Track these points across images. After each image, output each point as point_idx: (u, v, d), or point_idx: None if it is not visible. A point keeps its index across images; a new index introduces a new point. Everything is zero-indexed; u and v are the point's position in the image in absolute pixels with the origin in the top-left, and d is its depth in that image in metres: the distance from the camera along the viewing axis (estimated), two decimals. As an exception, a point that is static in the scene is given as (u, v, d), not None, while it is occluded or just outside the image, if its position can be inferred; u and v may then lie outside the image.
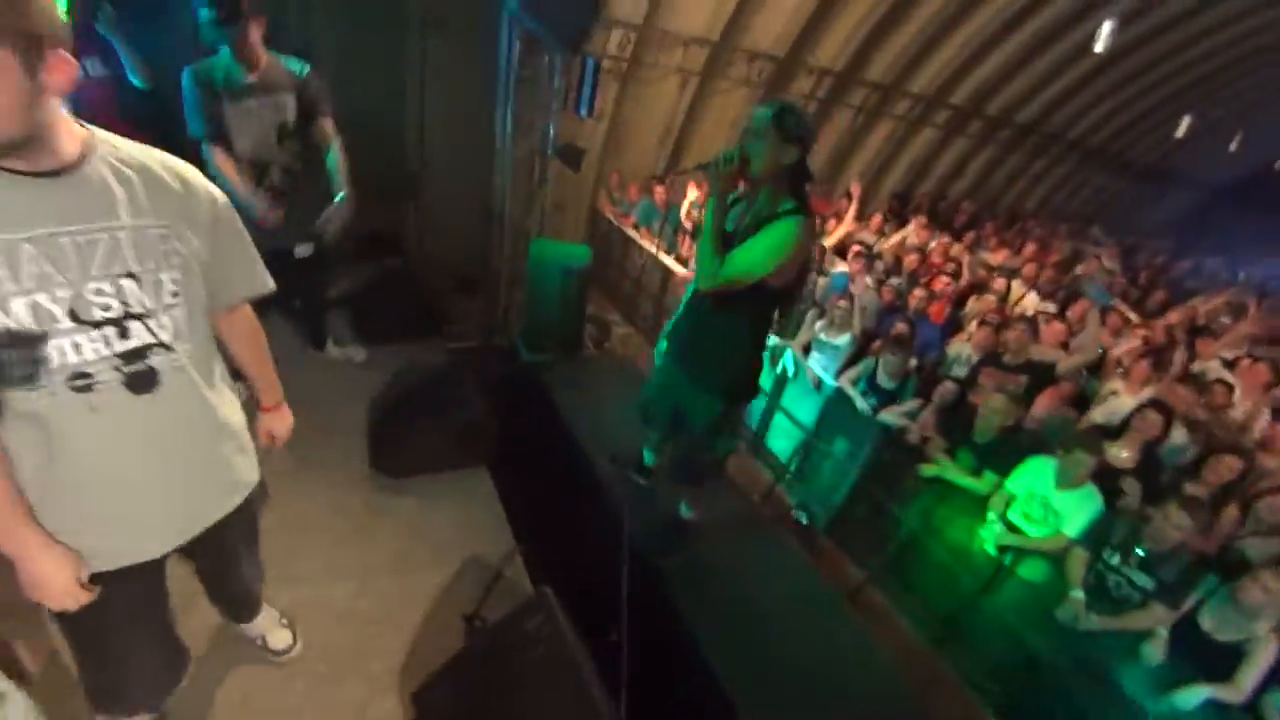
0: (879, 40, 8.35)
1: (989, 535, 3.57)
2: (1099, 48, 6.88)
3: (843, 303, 4.81)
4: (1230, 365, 5.03)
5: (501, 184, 5.54)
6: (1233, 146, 12.44)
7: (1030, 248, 7.76)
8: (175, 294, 1.28)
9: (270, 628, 2.28)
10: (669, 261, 6.46)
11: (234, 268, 1.48)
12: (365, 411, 3.74)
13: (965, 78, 9.46)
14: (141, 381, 1.27)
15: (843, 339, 4.81)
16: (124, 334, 1.22)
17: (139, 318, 1.24)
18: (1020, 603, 3.48)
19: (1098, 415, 3.97)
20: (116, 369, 1.23)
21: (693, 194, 6.99)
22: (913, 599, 4.11)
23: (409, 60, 5.93)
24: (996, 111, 10.41)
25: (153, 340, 1.27)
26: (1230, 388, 4.38)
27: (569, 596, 2.08)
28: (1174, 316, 6.20)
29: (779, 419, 5.27)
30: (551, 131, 5.34)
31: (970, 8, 8.29)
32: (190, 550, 1.59)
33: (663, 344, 2.93)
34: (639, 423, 3.13)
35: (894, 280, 5.55)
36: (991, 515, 3.54)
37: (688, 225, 6.54)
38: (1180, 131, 10.59)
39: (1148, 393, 4.19)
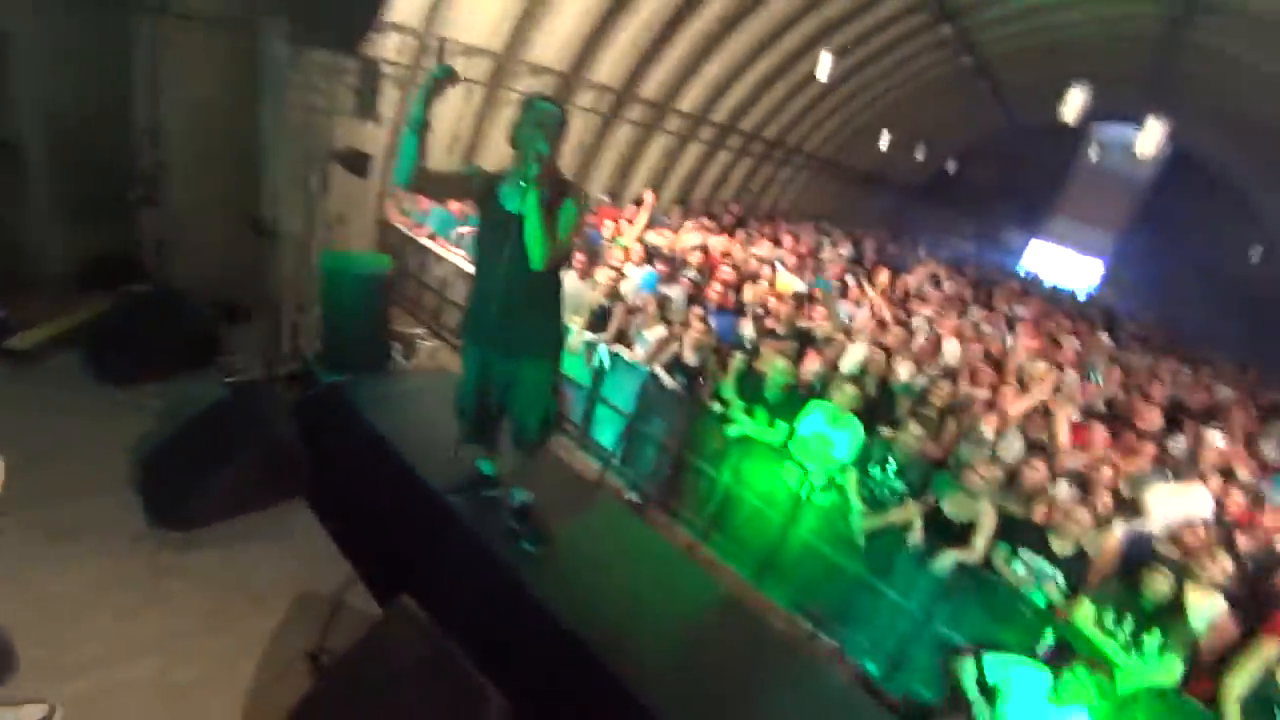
0: (651, 61, 9.14)
1: (793, 477, 4.22)
2: (821, 76, 8.34)
3: (652, 299, 5.25)
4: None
5: (273, 193, 5.03)
6: (919, 156, 15.87)
7: (789, 240, 9.11)
8: None
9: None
10: (470, 269, 6.37)
11: None
12: (131, 463, 3.17)
13: (722, 99, 10.77)
14: None
15: (654, 332, 5.24)
16: None
17: None
18: (819, 528, 4.15)
19: (845, 365, 4.92)
20: None
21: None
22: (735, 546, 4.66)
23: (138, 49, 5.04)
24: (750, 128, 12.00)
25: None
26: (939, 336, 5.71)
27: (430, 609, 2.04)
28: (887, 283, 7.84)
29: (600, 410, 5.54)
30: (329, 137, 4.99)
31: (724, 35, 9.47)
32: None
33: (471, 340, 3.01)
34: (461, 430, 3.14)
35: (690, 274, 6.18)
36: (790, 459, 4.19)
37: None
38: (883, 144, 13.21)
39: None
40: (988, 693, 3.15)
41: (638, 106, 9.67)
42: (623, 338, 5.34)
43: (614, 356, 5.25)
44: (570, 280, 5.66)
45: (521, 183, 2.49)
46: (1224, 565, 3.37)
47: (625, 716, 2.35)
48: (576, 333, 5.41)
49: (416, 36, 6.72)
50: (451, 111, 7.57)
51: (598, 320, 5.41)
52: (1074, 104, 7.30)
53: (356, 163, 5.10)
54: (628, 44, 8.57)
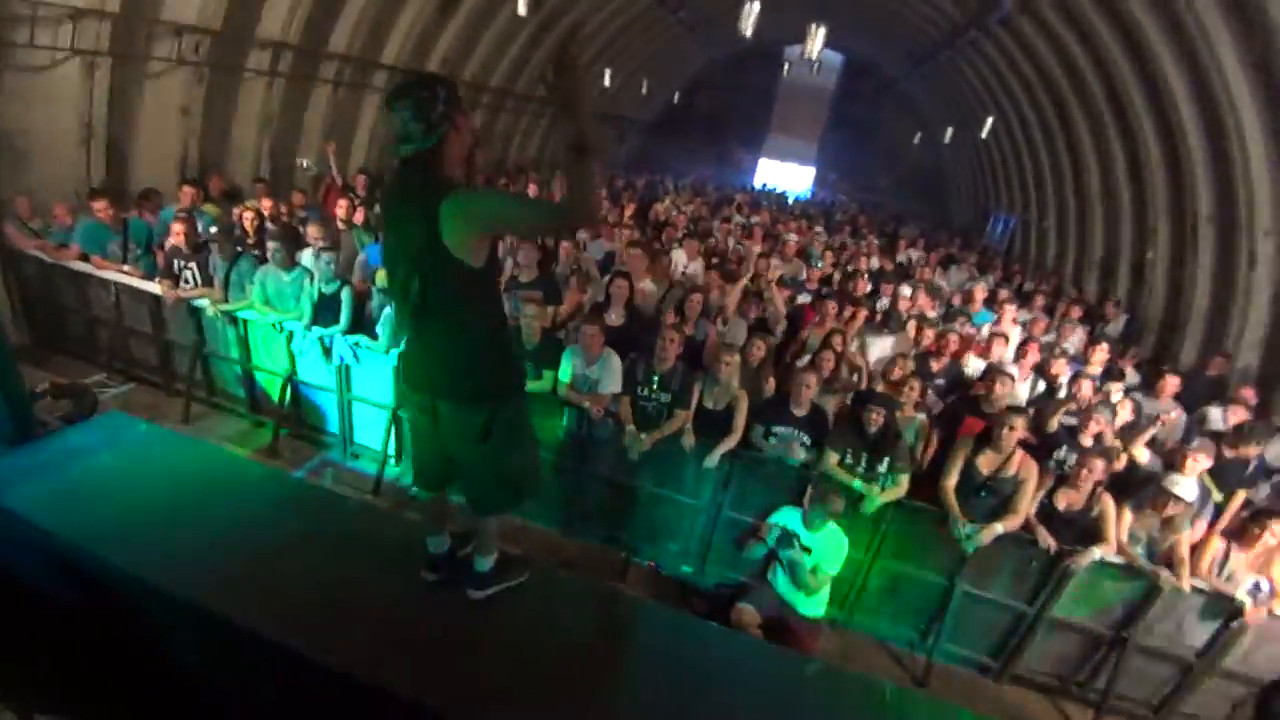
0: (332, 12, 8.02)
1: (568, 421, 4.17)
2: (522, 10, 8.03)
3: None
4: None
5: None
6: (644, 90, 16.50)
7: (533, 189, 8.92)
8: None
9: None
10: (152, 288, 5.14)
11: None
12: None
13: (429, 50, 9.95)
14: None
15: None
16: None
17: None
18: (605, 459, 4.19)
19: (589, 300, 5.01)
20: None
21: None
22: (536, 503, 4.54)
23: None
24: (471, 78, 11.33)
25: None
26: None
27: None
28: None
29: (359, 409, 4.94)
30: None
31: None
32: None
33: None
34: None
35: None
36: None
37: (175, 239, 5.18)
38: (606, 82, 13.43)
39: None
40: (782, 544, 3.47)
41: (333, 64, 8.52)
42: (363, 325, 4.75)
43: (355, 348, 4.66)
44: (272, 275, 4.87)
45: None
46: (913, 387, 4.06)
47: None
48: (300, 329, 4.70)
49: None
50: (68, 99, 5.91)
51: (323, 311, 4.73)
52: (749, 19, 7.97)
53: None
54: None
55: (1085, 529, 3.59)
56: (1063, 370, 5.05)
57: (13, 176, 5.72)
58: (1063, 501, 3.64)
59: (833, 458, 3.75)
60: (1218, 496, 4.05)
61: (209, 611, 2.23)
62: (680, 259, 6.42)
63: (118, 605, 2.54)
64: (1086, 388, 4.54)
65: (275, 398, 5.12)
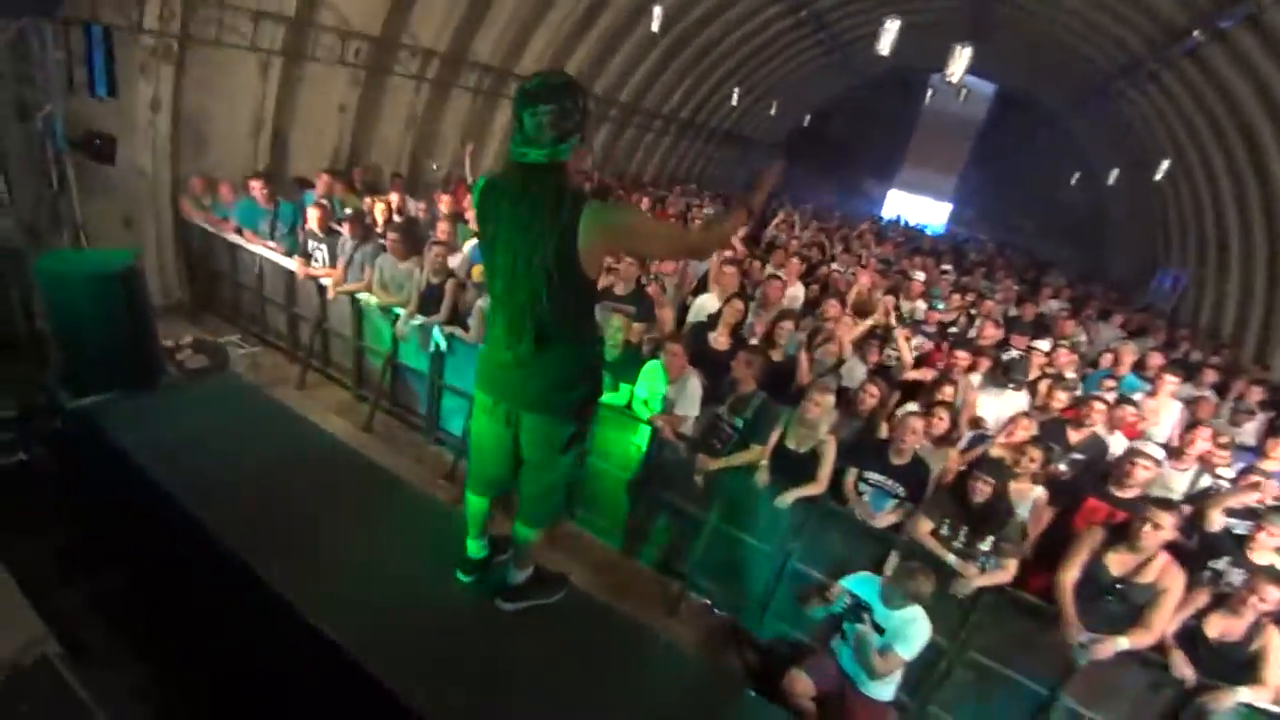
0: (477, 22, 8.52)
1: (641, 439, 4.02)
2: (655, 27, 8.11)
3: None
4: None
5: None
6: (772, 112, 16.21)
7: (645, 203, 8.93)
8: None
9: None
10: (289, 263, 5.65)
11: None
12: None
13: (567, 62, 10.32)
14: None
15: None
16: None
17: None
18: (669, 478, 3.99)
19: (691, 316, 4.79)
20: None
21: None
22: (598, 517, 4.44)
23: None
24: (602, 92, 11.63)
25: None
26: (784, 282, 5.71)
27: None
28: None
29: (447, 399, 5.10)
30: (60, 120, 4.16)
31: (550, 2, 9.02)
32: None
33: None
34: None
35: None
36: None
37: (312, 222, 5.71)
38: (734, 100, 13.29)
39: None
40: (850, 616, 3.10)
41: (472, 72, 9.04)
42: (457, 317, 4.89)
43: (450, 338, 4.81)
44: (388, 262, 5.15)
45: None
46: (1033, 456, 3.51)
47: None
48: (405, 316, 4.92)
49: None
50: (247, 92, 6.67)
51: (428, 301, 4.93)
52: (888, 37, 7.54)
53: (99, 148, 4.30)
54: (448, 4, 7.92)
55: (1238, 665, 2.90)
56: (1226, 460, 4.19)
57: (193, 157, 6.53)
58: (1216, 628, 2.97)
59: (925, 525, 3.30)
60: None
61: (254, 576, 2.30)
62: (796, 291, 6.03)
63: (180, 555, 2.71)
64: (1266, 487, 3.72)
65: (378, 376, 5.42)
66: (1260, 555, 3.24)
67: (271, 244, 5.95)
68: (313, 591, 2.24)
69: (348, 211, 6.23)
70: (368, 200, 6.62)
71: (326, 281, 5.43)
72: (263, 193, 6.05)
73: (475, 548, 2.37)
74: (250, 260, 6.08)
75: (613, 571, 4.18)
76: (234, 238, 6.07)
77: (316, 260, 5.61)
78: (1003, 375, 5.09)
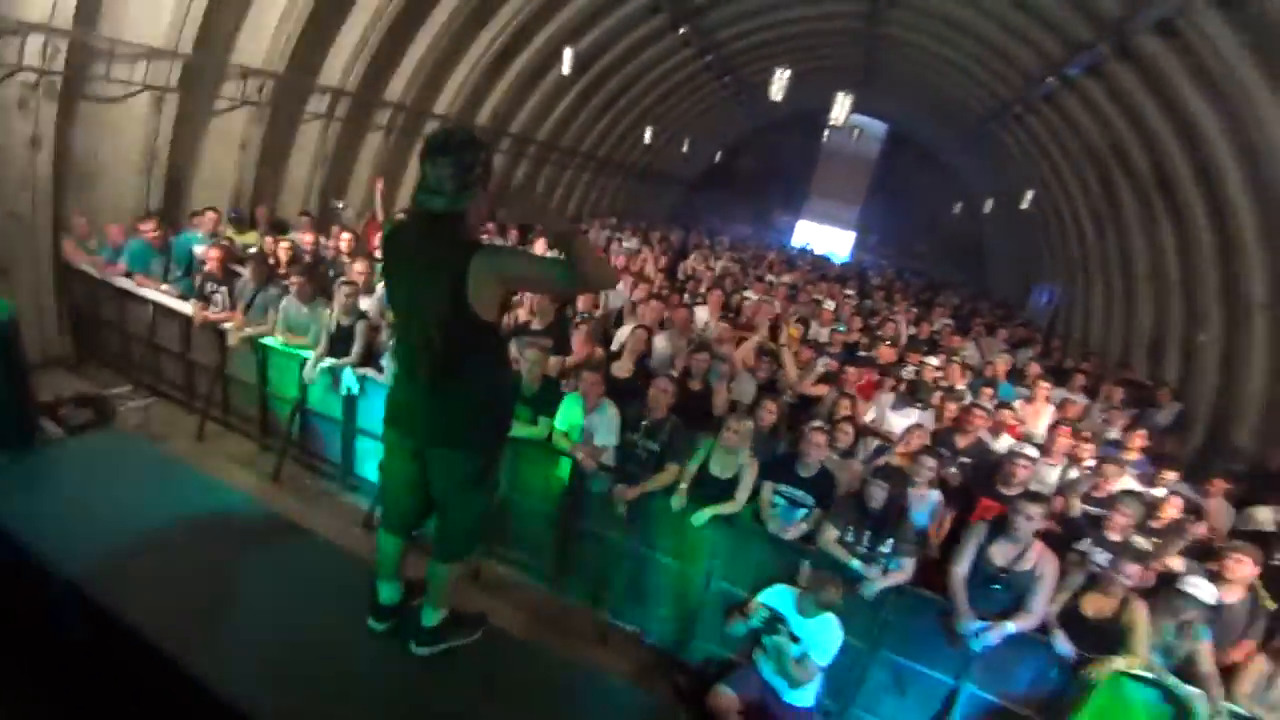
0: (390, 62, 8.51)
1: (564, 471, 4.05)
2: (566, 70, 8.38)
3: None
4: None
5: None
6: (685, 149, 16.93)
7: (540, 244, 9.06)
8: None
9: None
10: (185, 308, 5.35)
11: None
12: None
13: (482, 102, 10.45)
14: None
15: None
16: None
17: None
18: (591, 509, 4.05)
19: (614, 346, 4.92)
20: None
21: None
22: (525, 554, 4.40)
23: None
24: (518, 131, 11.81)
25: None
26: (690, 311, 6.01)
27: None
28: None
29: (362, 442, 4.94)
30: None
31: (464, 44, 9.16)
32: None
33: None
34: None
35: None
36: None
37: (210, 265, 5.43)
38: (648, 139, 13.81)
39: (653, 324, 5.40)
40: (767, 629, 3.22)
41: (388, 111, 8.98)
42: (370, 359, 4.79)
43: (363, 379, 4.69)
44: (293, 305, 5.00)
45: None
46: (927, 464, 3.82)
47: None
48: (313, 359, 4.77)
49: (66, 38, 5.45)
50: (137, 128, 6.34)
51: (338, 343, 4.80)
52: (779, 84, 8.15)
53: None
54: (356, 42, 7.87)
55: (1112, 637, 3.24)
56: (1088, 453, 4.70)
57: (77, 197, 6.10)
58: (1091, 606, 3.31)
59: (831, 533, 3.51)
60: (1270, 606, 3.63)
61: (154, 643, 2.16)
62: (703, 315, 6.34)
63: (67, 616, 2.49)
64: (1113, 474, 4.20)
65: (285, 423, 5.17)
66: (1113, 535, 3.66)
67: (164, 287, 5.62)
68: (220, 661, 2.12)
69: (251, 250, 5.99)
70: (268, 241, 6.38)
71: (227, 326, 5.18)
72: (154, 234, 5.73)
73: (388, 592, 2.32)
74: (141, 306, 5.70)
75: (541, 608, 4.15)
76: (124, 282, 5.67)
77: (216, 304, 5.35)
78: (910, 396, 5.50)
